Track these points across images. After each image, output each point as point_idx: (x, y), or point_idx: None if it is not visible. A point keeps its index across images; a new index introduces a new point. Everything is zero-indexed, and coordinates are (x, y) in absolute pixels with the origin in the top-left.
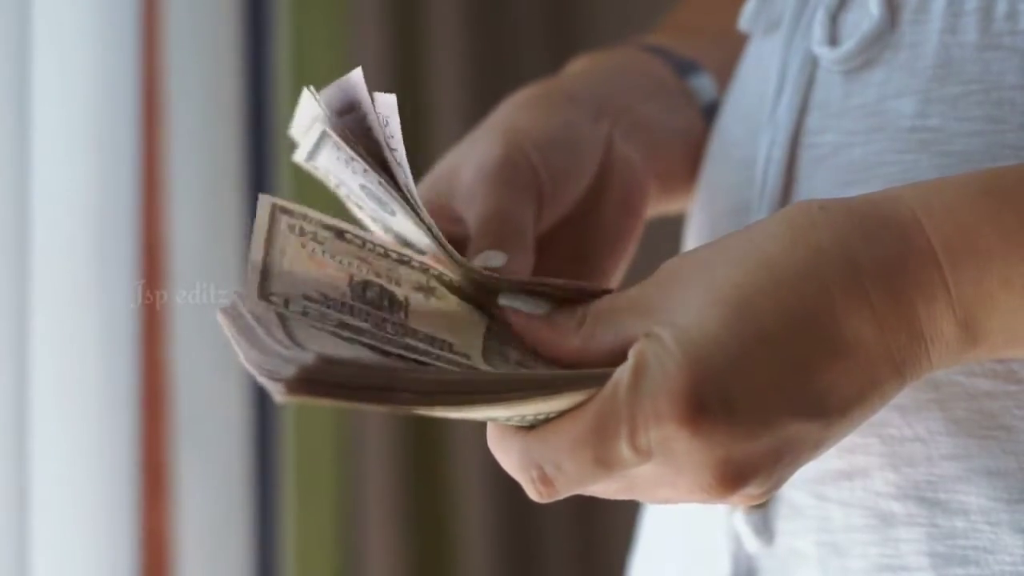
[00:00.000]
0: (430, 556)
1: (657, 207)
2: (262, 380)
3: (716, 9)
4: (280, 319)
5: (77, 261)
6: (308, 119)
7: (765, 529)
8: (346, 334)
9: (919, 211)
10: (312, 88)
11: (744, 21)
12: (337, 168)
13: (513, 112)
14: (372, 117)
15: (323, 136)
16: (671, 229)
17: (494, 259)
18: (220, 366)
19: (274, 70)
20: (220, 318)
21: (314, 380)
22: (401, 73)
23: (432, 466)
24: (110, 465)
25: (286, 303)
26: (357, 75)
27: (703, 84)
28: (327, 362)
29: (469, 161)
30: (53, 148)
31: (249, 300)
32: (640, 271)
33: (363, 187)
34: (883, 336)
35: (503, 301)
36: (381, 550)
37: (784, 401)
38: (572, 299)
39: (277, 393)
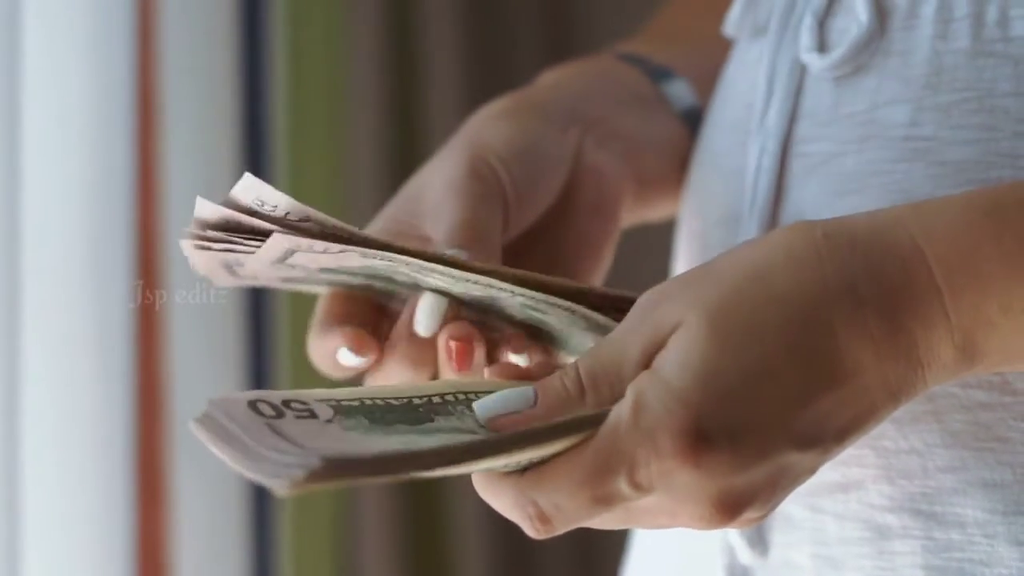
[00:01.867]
0: (426, 559)
1: (639, 214)
2: (259, 480)
3: (696, 15)
4: (269, 427)
5: (72, 263)
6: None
7: (759, 541)
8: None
9: (920, 236)
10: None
11: (729, 26)
12: (311, 264)
13: (479, 126)
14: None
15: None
16: (661, 236)
17: (457, 256)
18: (217, 369)
19: (271, 71)
20: (196, 429)
21: (319, 478)
22: (396, 74)
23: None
24: (105, 468)
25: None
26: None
27: (679, 90)
28: (334, 461)
29: (435, 178)
30: (47, 149)
31: (231, 406)
32: (632, 277)
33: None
34: (881, 365)
35: (480, 412)
36: (378, 555)
37: (784, 432)
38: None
39: (280, 490)
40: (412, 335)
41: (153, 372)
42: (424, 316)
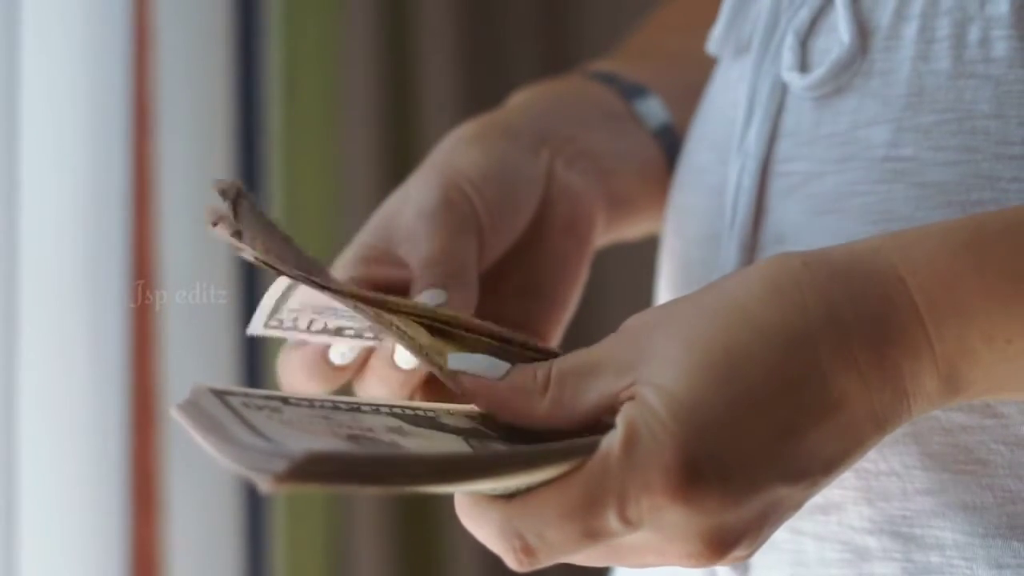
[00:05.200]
0: (420, 565)
1: (614, 233)
2: (245, 472)
3: (671, 33)
4: (237, 416)
5: (67, 268)
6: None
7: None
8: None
9: (901, 267)
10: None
11: (712, 44)
12: (314, 302)
13: (450, 151)
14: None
15: (289, 288)
16: (645, 253)
17: (435, 297)
18: (211, 374)
19: (266, 72)
20: (177, 415)
21: (303, 473)
22: (392, 78)
23: None
24: (100, 475)
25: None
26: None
27: (651, 108)
28: (317, 456)
29: (408, 205)
30: (43, 152)
31: (204, 395)
32: (616, 294)
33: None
34: (868, 396)
35: (452, 363)
36: (371, 560)
37: (773, 467)
38: (524, 355)
39: (264, 485)
40: (391, 364)
41: (147, 379)
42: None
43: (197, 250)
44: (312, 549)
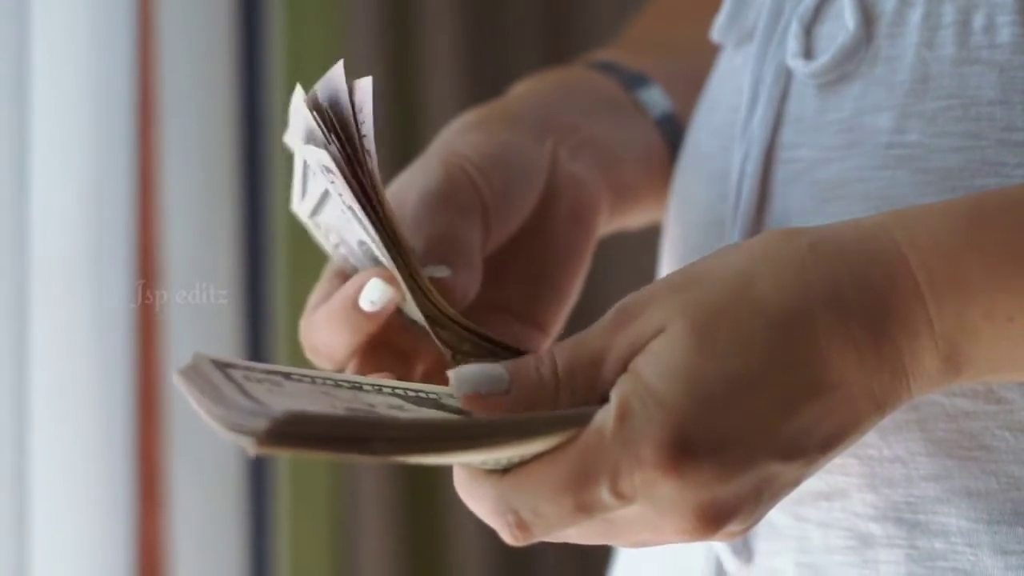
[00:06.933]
0: (424, 561)
1: (617, 222)
2: (230, 434)
3: (671, 22)
4: (237, 386)
5: (74, 266)
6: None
7: (744, 548)
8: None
9: (904, 243)
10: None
11: (716, 32)
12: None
13: (453, 137)
14: (345, 105)
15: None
16: (646, 241)
17: (438, 272)
18: None
19: (268, 72)
20: (178, 379)
21: (285, 433)
22: (395, 74)
23: (426, 468)
24: (106, 470)
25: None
26: (338, 69)
27: (653, 97)
28: (298, 415)
29: (411, 189)
30: (50, 152)
31: (207, 364)
32: (617, 281)
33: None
34: (866, 375)
35: (456, 383)
36: (376, 554)
37: (768, 442)
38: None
39: (248, 446)
40: (354, 305)
41: (152, 375)
42: (374, 294)
43: (200, 248)
44: (316, 544)
